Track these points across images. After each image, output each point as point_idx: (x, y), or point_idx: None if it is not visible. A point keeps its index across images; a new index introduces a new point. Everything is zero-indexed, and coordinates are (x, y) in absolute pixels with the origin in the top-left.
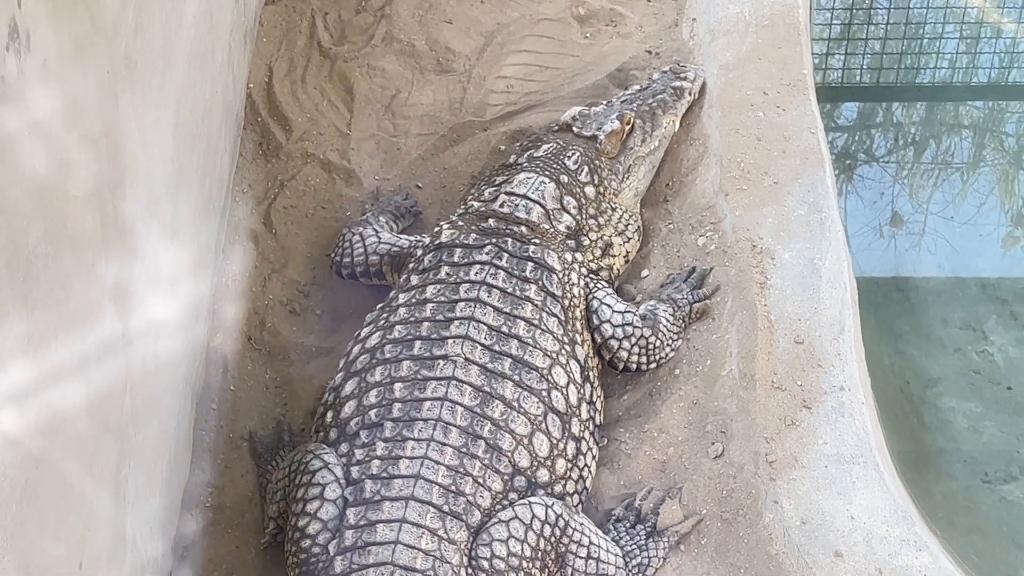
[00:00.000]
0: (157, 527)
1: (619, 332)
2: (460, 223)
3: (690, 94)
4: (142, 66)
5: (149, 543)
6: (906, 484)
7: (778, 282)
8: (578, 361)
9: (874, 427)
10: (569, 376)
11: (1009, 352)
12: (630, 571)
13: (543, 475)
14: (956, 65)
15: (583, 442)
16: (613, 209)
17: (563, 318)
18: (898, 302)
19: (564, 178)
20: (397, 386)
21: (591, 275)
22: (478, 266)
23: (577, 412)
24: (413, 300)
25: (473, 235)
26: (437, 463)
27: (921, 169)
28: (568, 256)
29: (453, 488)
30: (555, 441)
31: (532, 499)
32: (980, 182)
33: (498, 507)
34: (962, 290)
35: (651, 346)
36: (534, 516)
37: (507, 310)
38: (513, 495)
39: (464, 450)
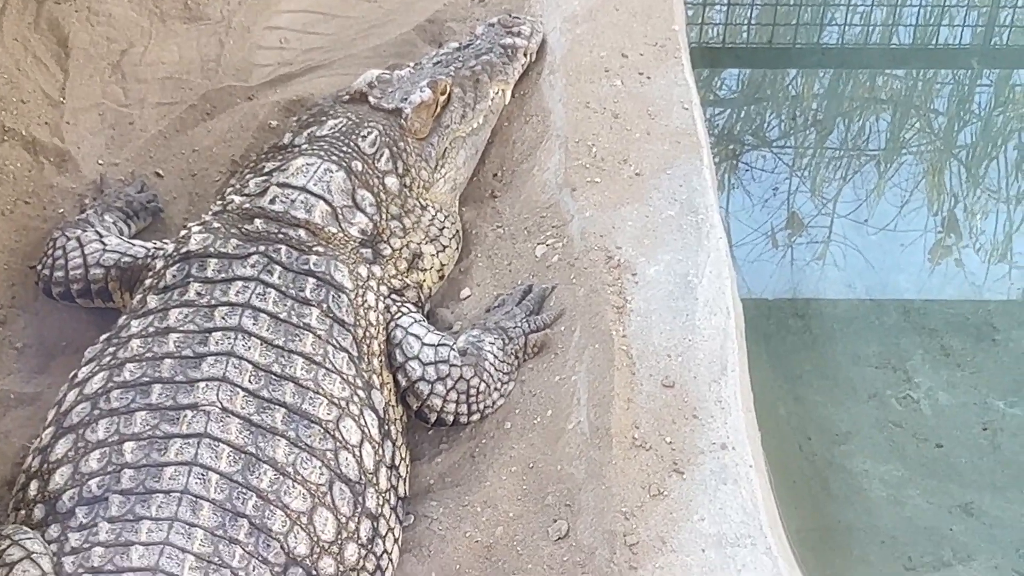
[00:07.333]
0: None
1: (430, 372)
2: (216, 225)
3: (525, 55)
4: None
5: None
6: (807, 572)
7: (641, 306)
8: (375, 411)
9: (765, 497)
10: (363, 432)
11: (939, 399)
12: None
13: (328, 566)
14: (870, 21)
15: (381, 520)
16: (423, 207)
17: (355, 353)
18: (797, 332)
19: (357, 165)
20: (128, 446)
21: (394, 295)
22: (240, 283)
23: (374, 480)
24: (151, 329)
25: (234, 241)
26: (183, 551)
27: (826, 157)
28: (363, 270)
29: None
30: (344, 519)
31: None
32: (902, 174)
33: None
34: (879, 317)
35: (473, 391)
36: None
37: (280, 343)
38: None
39: (220, 533)
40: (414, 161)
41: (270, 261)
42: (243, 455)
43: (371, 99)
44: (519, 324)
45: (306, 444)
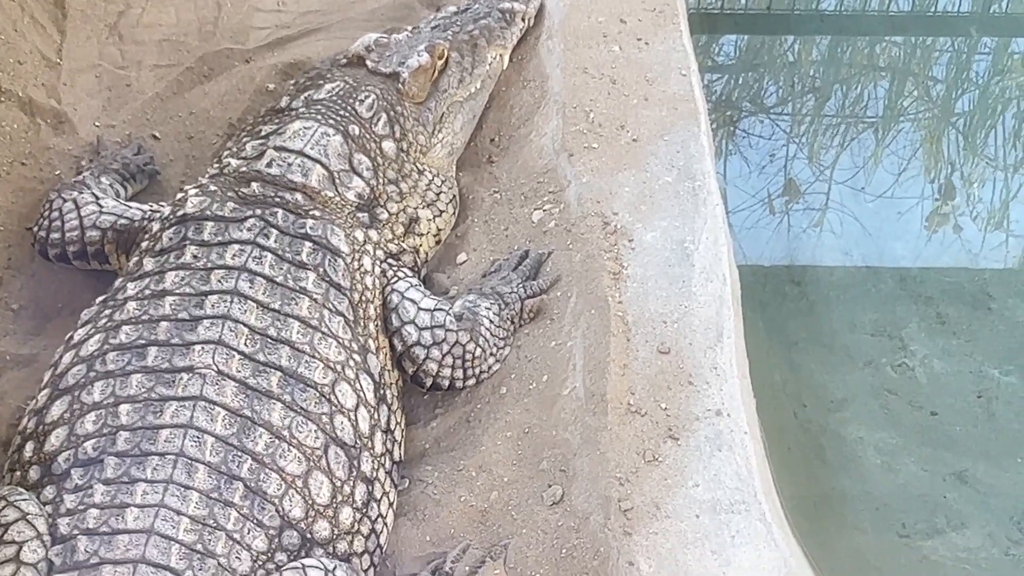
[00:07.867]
0: None
1: (426, 337)
2: (212, 188)
3: (523, 20)
4: None
5: None
6: (801, 539)
7: (637, 272)
8: (371, 376)
9: (760, 464)
10: (359, 396)
11: (934, 366)
12: None
13: (322, 529)
14: None
15: (376, 484)
16: (420, 172)
17: (351, 317)
18: (793, 299)
19: (354, 129)
20: (124, 408)
21: (390, 260)
22: (237, 246)
23: (369, 444)
24: (147, 292)
25: (230, 204)
26: (178, 514)
27: (824, 124)
28: (359, 234)
29: (200, 547)
30: (339, 483)
31: (307, 561)
32: (900, 142)
33: (261, 573)
34: (876, 284)
35: (469, 356)
36: None
37: (276, 306)
38: (282, 556)
39: (215, 496)
40: (411, 125)
41: (267, 225)
42: (239, 418)
43: (369, 63)
44: (515, 289)
45: (302, 408)
